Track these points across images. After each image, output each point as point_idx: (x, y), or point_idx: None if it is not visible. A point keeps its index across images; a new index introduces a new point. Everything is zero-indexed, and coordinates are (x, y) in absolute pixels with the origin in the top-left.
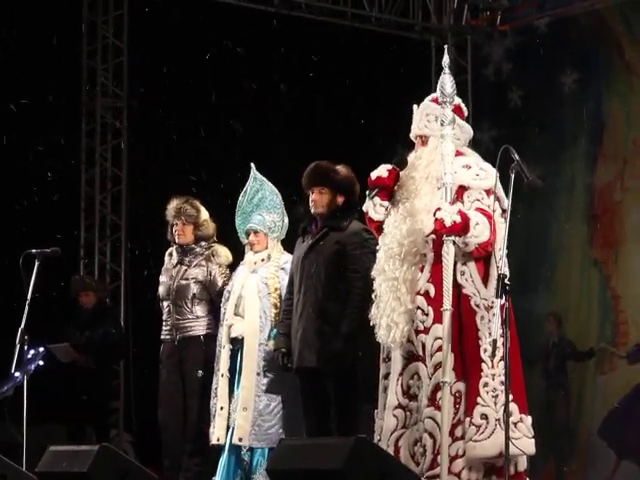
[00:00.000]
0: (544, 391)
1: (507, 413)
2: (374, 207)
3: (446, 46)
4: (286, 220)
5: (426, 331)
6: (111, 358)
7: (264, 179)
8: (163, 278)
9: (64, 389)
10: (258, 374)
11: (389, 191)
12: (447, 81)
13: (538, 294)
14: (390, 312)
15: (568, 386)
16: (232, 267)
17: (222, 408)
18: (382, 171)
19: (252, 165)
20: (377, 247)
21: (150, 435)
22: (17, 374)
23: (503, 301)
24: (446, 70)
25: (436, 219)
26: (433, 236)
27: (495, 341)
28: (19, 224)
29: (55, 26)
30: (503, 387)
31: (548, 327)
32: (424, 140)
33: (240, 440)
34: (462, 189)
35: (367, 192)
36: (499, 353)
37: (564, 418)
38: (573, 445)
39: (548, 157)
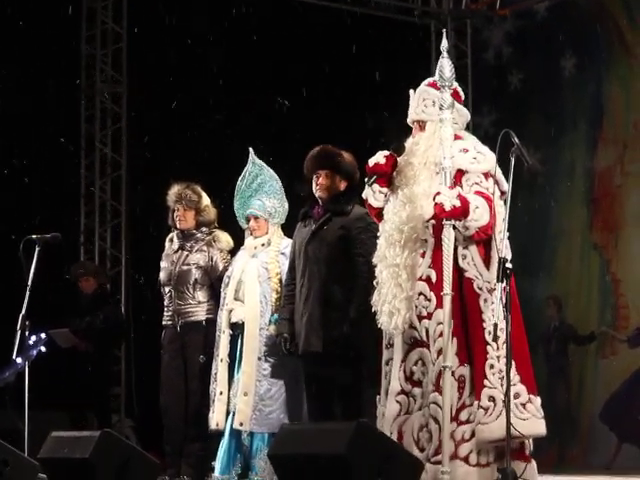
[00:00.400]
0: (545, 375)
1: (508, 396)
2: (373, 194)
3: (444, 30)
4: (286, 205)
5: (429, 316)
6: (111, 343)
7: (263, 164)
8: (164, 264)
9: (65, 375)
10: (259, 359)
11: (387, 177)
12: (446, 65)
13: (538, 278)
14: (392, 299)
15: (569, 370)
16: (233, 252)
17: (221, 393)
18: (379, 158)
19: (250, 150)
20: (378, 233)
21: (152, 421)
22: (18, 360)
23: (504, 285)
24: (444, 54)
25: (436, 203)
26: (433, 221)
27: (496, 325)
28: (19, 210)
29: (54, 12)
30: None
31: (549, 311)
32: (422, 125)
33: (241, 425)
34: (460, 173)
35: (366, 179)
36: (502, 336)
37: (565, 402)
38: (574, 429)
39: (548, 141)
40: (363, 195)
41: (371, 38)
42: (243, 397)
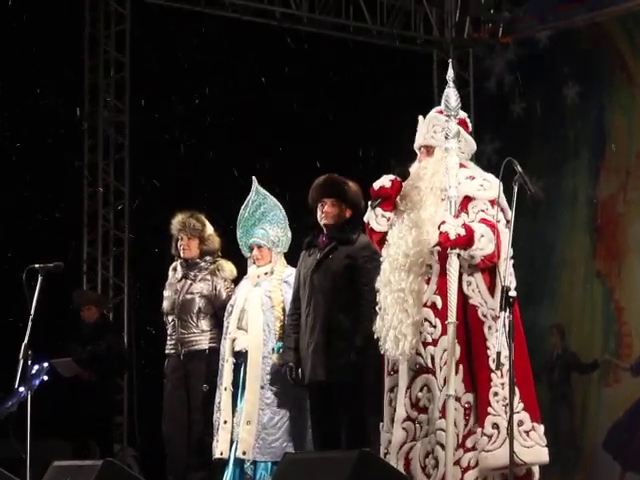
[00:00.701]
0: (548, 403)
1: (511, 425)
2: (376, 218)
3: (450, 60)
4: (289, 234)
5: (434, 343)
6: (113, 372)
7: (267, 193)
8: (167, 293)
9: (67, 404)
10: (262, 387)
11: (392, 201)
12: (452, 94)
13: (542, 306)
14: (397, 324)
15: (572, 398)
16: (236, 281)
17: (225, 422)
18: (385, 181)
19: (254, 178)
20: (381, 259)
21: (154, 450)
22: (21, 389)
23: (507, 313)
24: (450, 84)
25: (441, 232)
26: (438, 248)
27: (499, 353)
28: (22, 239)
29: (57, 41)
30: (514, 396)
31: (552, 339)
32: (429, 150)
33: (244, 454)
34: (467, 199)
35: (369, 202)
36: (506, 364)
37: (569, 430)
38: (578, 457)
39: (550, 169)
40: (365, 218)
41: (373, 67)
42: (246, 426)
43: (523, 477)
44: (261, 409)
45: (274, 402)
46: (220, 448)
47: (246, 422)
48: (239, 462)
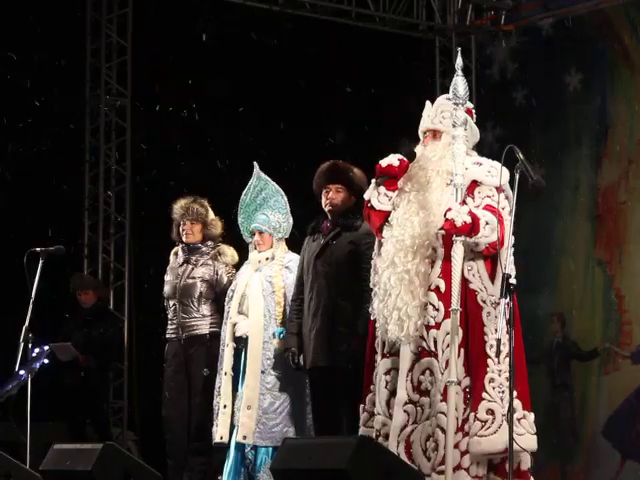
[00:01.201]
0: (548, 391)
1: (511, 411)
2: (378, 196)
3: (459, 49)
4: (290, 220)
5: (437, 326)
6: (110, 357)
7: (268, 178)
8: (168, 277)
9: (64, 387)
10: (263, 372)
11: (396, 181)
12: (460, 83)
13: (542, 294)
14: (402, 305)
15: (572, 386)
16: (238, 266)
17: (225, 406)
18: (393, 159)
19: (255, 164)
20: (382, 240)
21: (154, 434)
22: (22, 372)
23: (508, 300)
24: (459, 72)
25: (446, 219)
26: (443, 232)
27: (499, 340)
28: (23, 222)
29: (59, 25)
30: (508, 383)
31: (552, 327)
32: (436, 134)
33: (244, 438)
34: (474, 184)
35: (374, 180)
36: (504, 351)
37: (568, 418)
38: (577, 445)
39: (552, 157)
40: (365, 196)
41: (375, 53)
42: (246, 410)
43: (500, 464)
44: (262, 394)
45: (275, 387)
46: (220, 433)
47: (246, 407)
48: (240, 447)
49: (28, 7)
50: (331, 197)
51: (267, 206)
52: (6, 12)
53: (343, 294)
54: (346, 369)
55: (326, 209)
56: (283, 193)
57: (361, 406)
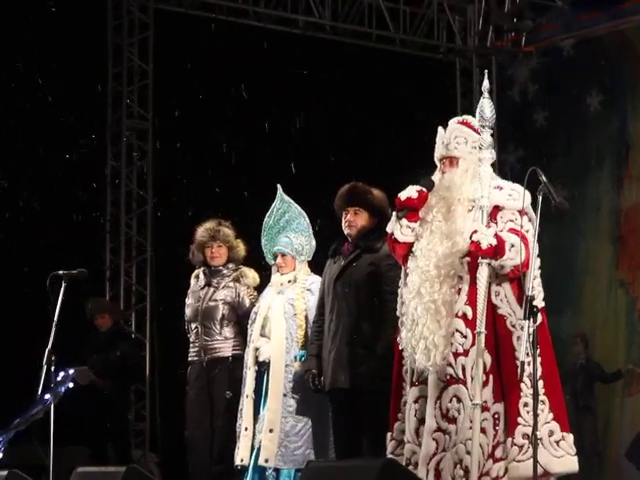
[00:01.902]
0: (572, 412)
1: (534, 433)
2: (400, 228)
3: (486, 71)
4: (313, 242)
5: (465, 354)
6: (128, 380)
7: (291, 201)
8: (190, 300)
9: (84, 411)
10: (284, 395)
11: (417, 212)
12: (487, 105)
13: (565, 315)
14: (429, 335)
15: (596, 408)
16: (259, 289)
17: (246, 429)
18: (412, 192)
19: (279, 186)
20: (407, 270)
21: (176, 456)
22: (47, 396)
23: (531, 323)
24: (485, 94)
25: (472, 241)
26: (468, 258)
27: (523, 363)
28: (46, 246)
29: (81, 49)
30: (543, 406)
31: (575, 348)
32: (453, 161)
33: (266, 461)
34: (496, 209)
35: (395, 213)
36: (527, 371)
37: (592, 440)
38: (601, 467)
39: (574, 178)
40: (388, 229)
41: (396, 75)
42: (268, 434)
43: None
44: (283, 417)
45: (296, 410)
46: (241, 455)
47: (268, 430)
48: (260, 470)
49: (51, 31)
50: (349, 219)
51: (290, 229)
52: (30, 36)
53: (363, 315)
54: (366, 390)
55: (345, 232)
56: (305, 215)
57: (388, 434)
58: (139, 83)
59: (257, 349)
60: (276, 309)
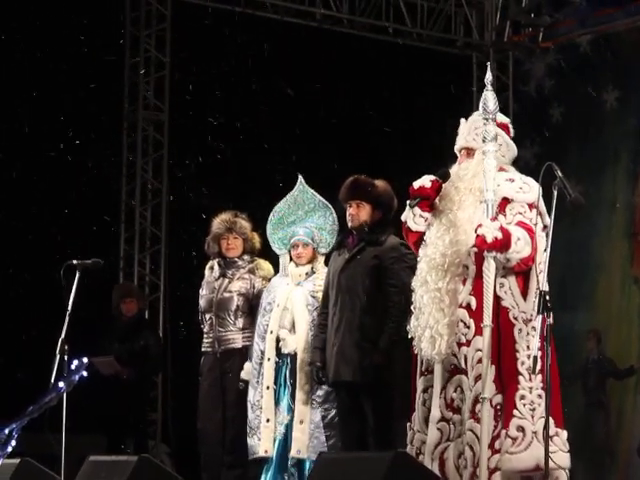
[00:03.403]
0: (583, 408)
1: (547, 431)
2: (414, 217)
3: (489, 63)
4: (335, 237)
5: (468, 344)
6: (151, 370)
7: (315, 193)
8: (204, 291)
9: (104, 400)
10: (312, 386)
11: (430, 202)
12: (490, 98)
13: (578, 311)
14: (434, 324)
15: (608, 404)
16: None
17: (268, 420)
18: (425, 181)
19: (300, 177)
20: (418, 259)
21: (187, 447)
22: (60, 385)
23: (544, 317)
24: (489, 87)
25: (477, 235)
26: (475, 249)
27: (535, 357)
28: (60, 235)
29: (98, 39)
30: (540, 400)
31: (588, 344)
32: (470, 152)
33: (298, 452)
34: (505, 201)
35: (408, 201)
36: (538, 368)
37: (604, 436)
38: (613, 463)
39: (589, 174)
40: (402, 217)
41: (413, 69)
42: (299, 425)
43: None
44: (313, 408)
45: (325, 401)
46: (264, 446)
47: (299, 421)
48: (282, 461)
49: (69, 22)
50: (352, 213)
51: (311, 220)
52: (47, 29)
53: (366, 309)
54: (369, 384)
55: (349, 225)
56: (332, 209)
57: (408, 424)
58: (156, 74)
59: (279, 340)
60: (298, 301)
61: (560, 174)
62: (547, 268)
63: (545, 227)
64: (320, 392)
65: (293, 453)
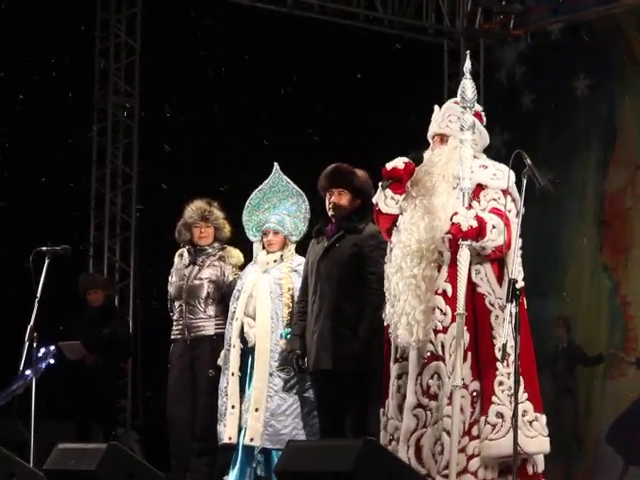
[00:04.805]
0: (552, 396)
1: (516, 414)
2: (385, 199)
3: (468, 52)
4: (307, 225)
5: (444, 330)
6: (118, 357)
7: (289, 180)
8: (173, 279)
9: (71, 387)
10: (270, 374)
11: (403, 184)
12: (468, 86)
13: (548, 298)
14: (410, 310)
15: (576, 391)
16: (243, 267)
17: (233, 407)
18: (398, 163)
19: (275, 164)
20: (390, 245)
21: (157, 434)
22: (28, 372)
23: (514, 305)
24: (467, 75)
25: (453, 224)
26: (449, 236)
27: (505, 344)
28: (29, 222)
29: (68, 24)
30: (518, 386)
31: (557, 332)
32: (443, 139)
33: (252, 440)
34: (479, 188)
35: (380, 183)
36: (511, 353)
37: (572, 423)
38: (581, 450)
39: (559, 162)
40: (373, 200)
41: (384, 56)
42: (254, 413)
43: (519, 467)
44: (269, 396)
45: (282, 389)
46: (228, 433)
47: (254, 409)
48: (247, 448)
49: (38, 6)
50: (333, 201)
51: (284, 207)
52: (16, 12)
53: (346, 297)
54: (348, 372)
55: (329, 213)
56: (305, 197)
57: (381, 410)
58: (126, 60)
59: (242, 327)
60: (262, 289)
61: (529, 162)
62: (519, 254)
63: (518, 213)
64: (277, 380)
65: (246, 441)
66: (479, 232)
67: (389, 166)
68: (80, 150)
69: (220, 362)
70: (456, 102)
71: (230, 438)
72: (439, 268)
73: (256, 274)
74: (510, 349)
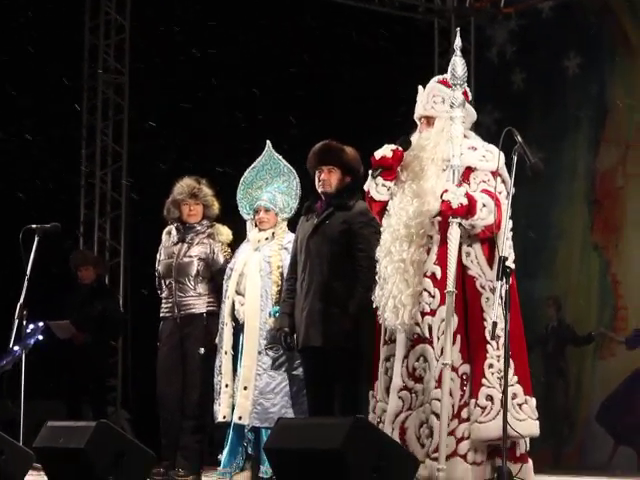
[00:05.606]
0: (542, 375)
1: (505, 395)
2: (376, 187)
3: (458, 30)
4: (297, 202)
5: (432, 313)
6: (108, 335)
7: (281, 158)
8: (162, 256)
9: (61, 365)
10: (259, 353)
11: (393, 171)
12: (459, 63)
13: (538, 278)
14: (397, 294)
15: (567, 371)
16: (232, 245)
17: (227, 385)
18: (386, 151)
19: (268, 142)
20: (381, 229)
21: (147, 413)
22: (16, 348)
23: (504, 283)
24: (458, 52)
25: (443, 201)
26: (439, 218)
27: (495, 323)
28: (19, 200)
29: (57, 1)
30: (509, 368)
31: (547, 311)
32: (430, 121)
33: (240, 418)
34: (469, 170)
35: (370, 171)
36: (502, 335)
37: (562, 402)
38: (571, 429)
39: (550, 140)
40: (365, 187)
41: (374, 34)
42: (243, 391)
43: (508, 449)
44: (258, 374)
45: (271, 367)
46: (222, 412)
47: (243, 387)
48: (238, 427)
49: None
50: (323, 178)
51: (276, 185)
52: None
53: (335, 274)
54: (338, 349)
55: (319, 190)
56: (296, 174)
57: (370, 392)
58: (116, 37)
59: (233, 304)
60: (252, 266)
61: (520, 139)
62: (510, 235)
63: (508, 194)
64: (266, 358)
65: (235, 419)
66: (469, 210)
67: (378, 155)
68: (70, 128)
69: (217, 341)
70: (440, 81)
71: (224, 417)
72: (428, 251)
73: (248, 252)
74: (500, 331)
